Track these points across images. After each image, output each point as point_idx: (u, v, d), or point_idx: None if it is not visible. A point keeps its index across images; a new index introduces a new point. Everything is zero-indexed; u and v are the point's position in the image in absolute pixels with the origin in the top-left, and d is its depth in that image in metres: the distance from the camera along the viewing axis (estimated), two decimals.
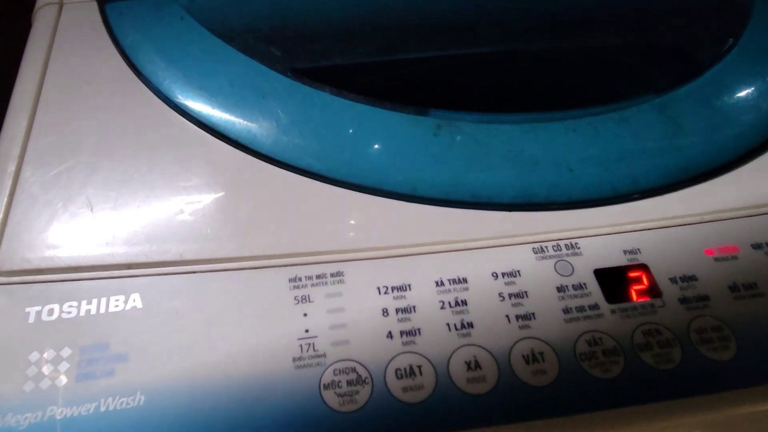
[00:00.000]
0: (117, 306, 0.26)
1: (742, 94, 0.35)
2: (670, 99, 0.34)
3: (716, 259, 0.29)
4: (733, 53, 0.37)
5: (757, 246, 0.29)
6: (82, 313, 0.26)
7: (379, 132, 0.32)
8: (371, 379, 0.25)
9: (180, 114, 0.33)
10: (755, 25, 0.39)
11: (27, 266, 0.27)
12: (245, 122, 0.33)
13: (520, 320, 0.26)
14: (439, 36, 0.39)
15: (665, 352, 0.26)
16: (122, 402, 0.23)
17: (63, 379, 0.24)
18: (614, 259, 0.29)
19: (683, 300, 0.27)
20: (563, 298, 0.27)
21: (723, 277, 0.28)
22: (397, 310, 0.26)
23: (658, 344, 0.26)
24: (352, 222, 0.29)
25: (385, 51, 0.38)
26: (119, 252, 0.28)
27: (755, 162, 0.33)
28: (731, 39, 0.38)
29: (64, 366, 0.24)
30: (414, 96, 0.34)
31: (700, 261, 0.29)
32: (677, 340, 0.26)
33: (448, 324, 0.26)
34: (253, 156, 0.32)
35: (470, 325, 0.26)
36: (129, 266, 0.27)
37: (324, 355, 0.25)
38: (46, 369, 0.24)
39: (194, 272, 0.27)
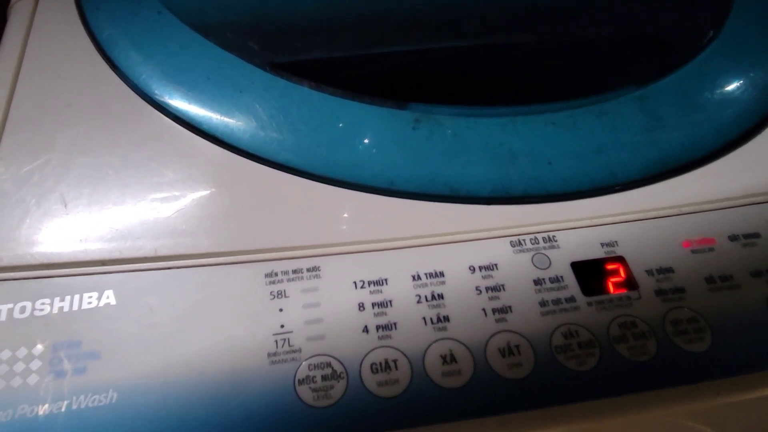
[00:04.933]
0: (90, 303, 0.26)
1: (722, 86, 0.35)
2: (649, 91, 0.34)
3: (693, 251, 0.29)
4: (714, 45, 0.37)
5: (733, 238, 0.30)
6: (55, 310, 0.25)
7: (357, 126, 0.32)
8: (346, 373, 0.24)
9: (156, 109, 0.33)
10: (736, 17, 0.39)
11: None
12: (222, 117, 0.32)
13: (496, 313, 0.26)
14: (419, 29, 0.39)
15: (640, 344, 0.26)
16: (94, 399, 0.23)
17: (35, 377, 0.24)
18: (591, 251, 0.29)
19: (659, 292, 0.27)
20: (540, 291, 0.27)
21: (699, 269, 0.28)
22: (373, 305, 0.26)
23: (634, 336, 0.26)
24: (330, 215, 0.29)
25: (364, 45, 0.38)
26: (93, 248, 0.27)
27: (733, 154, 0.33)
28: (712, 31, 0.38)
29: (36, 364, 0.24)
30: (393, 90, 0.34)
31: (677, 253, 0.29)
32: (653, 332, 0.26)
33: (424, 318, 0.26)
34: (230, 151, 0.31)
35: (446, 318, 0.26)
36: (103, 263, 0.27)
37: (299, 350, 0.25)
38: (17, 367, 0.24)
39: (169, 268, 0.27)
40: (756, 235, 0.30)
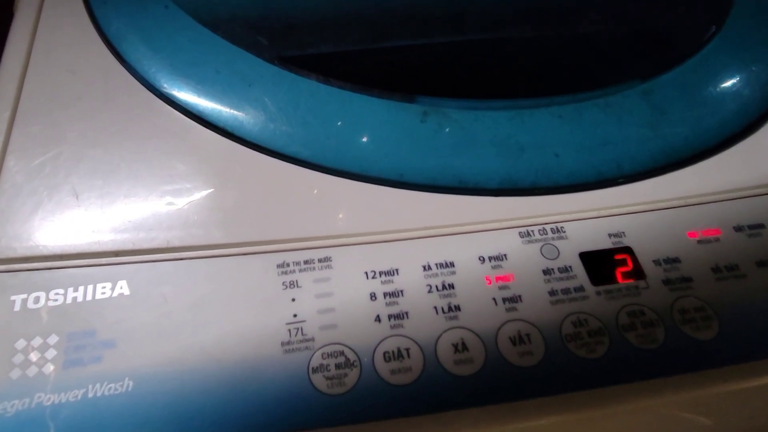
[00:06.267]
0: (104, 293, 0.26)
1: (725, 80, 0.36)
2: (653, 85, 0.35)
3: (699, 242, 0.29)
4: (716, 40, 0.37)
5: (738, 228, 0.30)
6: (69, 300, 0.26)
7: (366, 119, 0.32)
8: (359, 362, 0.25)
9: (166, 102, 0.33)
10: (738, 11, 0.39)
11: (12, 255, 0.27)
12: (232, 110, 0.32)
13: (506, 303, 0.27)
14: (426, 23, 0.39)
15: (649, 332, 0.26)
16: (110, 388, 0.23)
17: (50, 366, 0.24)
18: (599, 242, 0.29)
19: (667, 281, 0.28)
20: (549, 280, 0.28)
21: (705, 259, 0.29)
22: (385, 294, 0.27)
23: (642, 324, 0.26)
24: (341, 207, 0.29)
25: (372, 38, 0.38)
26: (106, 240, 0.28)
27: (737, 147, 0.33)
28: (714, 26, 0.38)
29: (51, 353, 0.24)
30: (401, 83, 0.34)
31: (684, 243, 0.29)
32: (661, 320, 0.27)
33: (435, 307, 0.26)
34: (240, 144, 0.32)
35: (457, 308, 0.26)
36: (116, 254, 0.27)
37: (312, 339, 0.25)
38: (33, 356, 0.24)
39: (181, 259, 0.27)
40: (761, 226, 0.30)
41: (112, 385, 0.23)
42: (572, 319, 0.26)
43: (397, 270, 0.27)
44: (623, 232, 0.29)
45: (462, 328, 0.26)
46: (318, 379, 0.24)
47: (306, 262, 0.27)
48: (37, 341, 0.24)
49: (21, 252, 0.27)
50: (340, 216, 0.29)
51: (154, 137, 0.32)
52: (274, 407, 0.23)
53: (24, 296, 0.26)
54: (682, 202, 0.31)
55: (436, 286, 0.27)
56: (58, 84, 0.34)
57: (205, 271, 0.27)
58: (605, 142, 0.33)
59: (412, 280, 0.27)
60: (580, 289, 0.27)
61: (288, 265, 0.27)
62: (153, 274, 0.27)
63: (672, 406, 0.25)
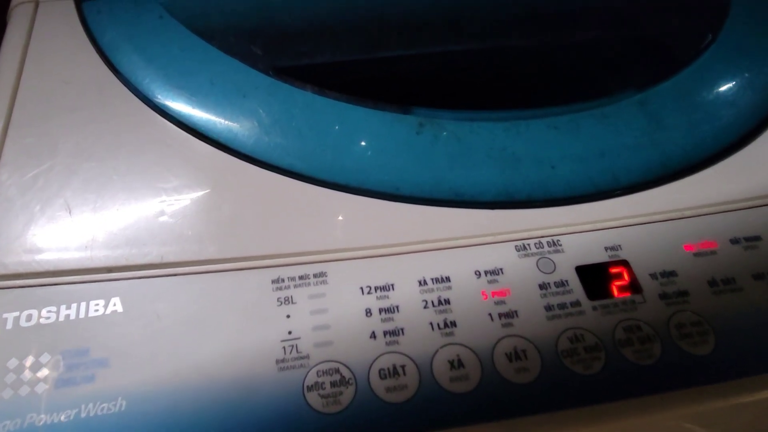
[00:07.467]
0: (97, 310, 0.26)
1: (721, 89, 0.36)
2: (650, 95, 0.35)
3: (695, 255, 0.29)
4: (712, 49, 0.37)
5: (735, 241, 0.30)
6: (62, 318, 0.25)
7: (361, 131, 0.32)
8: (355, 379, 0.25)
9: (159, 114, 0.33)
10: (733, 20, 0.39)
11: (4, 271, 0.26)
12: (226, 122, 0.32)
13: (502, 318, 0.27)
14: (422, 33, 0.39)
15: (646, 348, 0.26)
16: (103, 408, 0.23)
17: (43, 386, 0.24)
18: (595, 255, 0.29)
19: (663, 296, 0.28)
20: (545, 295, 0.27)
21: (702, 273, 0.29)
22: (380, 310, 0.26)
23: (639, 340, 0.26)
24: (336, 221, 0.29)
25: (367, 49, 0.38)
26: (99, 255, 0.27)
27: (733, 158, 0.33)
28: (710, 35, 0.38)
29: (43, 372, 0.24)
30: (396, 94, 0.34)
31: (680, 257, 0.29)
32: (657, 335, 0.26)
33: (431, 323, 0.26)
34: (235, 156, 0.31)
35: (453, 324, 0.26)
36: (109, 270, 0.27)
37: (307, 357, 0.25)
38: (25, 376, 0.24)
39: (175, 275, 0.27)
40: (757, 238, 0.30)
41: (105, 404, 0.23)
42: (568, 335, 0.26)
43: (392, 285, 0.27)
44: (619, 245, 0.29)
45: (458, 344, 0.26)
46: (313, 398, 0.24)
47: (301, 278, 0.27)
48: (30, 360, 0.24)
49: (13, 268, 0.27)
50: (336, 230, 0.29)
51: (148, 150, 0.31)
52: (268, 426, 0.23)
53: (16, 314, 0.25)
54: (678, 214, 0.31)
55: (432, 302, 0.27)
56: (51, 95, 0.34)
57: (199, 287, 0.27)
58: (602, 153, 0.32)
59: (407, 296, 0.27)
60: (577, 303, 0.27)
61: (283, 280, 0.27)
62: (146, 291, 0.26)
63: (668, 422, 0.25)
